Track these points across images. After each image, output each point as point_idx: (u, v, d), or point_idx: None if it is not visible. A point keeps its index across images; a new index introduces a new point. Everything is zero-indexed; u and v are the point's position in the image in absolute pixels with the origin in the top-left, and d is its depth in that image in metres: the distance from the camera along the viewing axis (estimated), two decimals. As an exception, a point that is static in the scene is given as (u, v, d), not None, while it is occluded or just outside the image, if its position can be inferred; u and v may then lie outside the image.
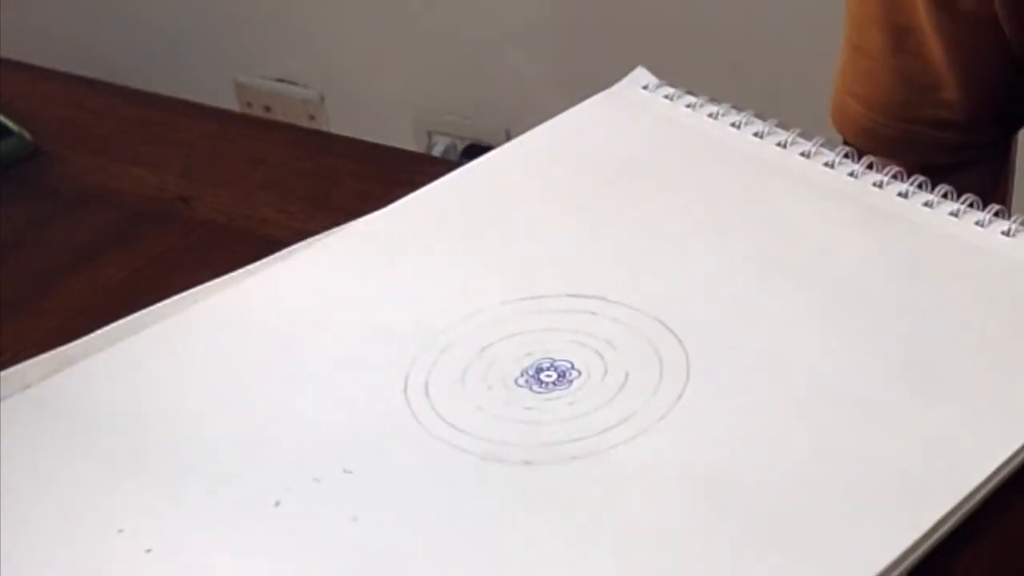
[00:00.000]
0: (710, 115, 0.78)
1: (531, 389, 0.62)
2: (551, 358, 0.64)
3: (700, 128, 0.77)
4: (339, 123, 2.01)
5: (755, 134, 0.77)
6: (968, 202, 0.71)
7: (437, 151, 1.94)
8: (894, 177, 0.73)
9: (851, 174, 0.74)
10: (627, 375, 0.63)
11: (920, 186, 0.72)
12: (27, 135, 0.84)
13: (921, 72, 0.86)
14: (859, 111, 0.89)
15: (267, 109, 2.05)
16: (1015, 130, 0.91)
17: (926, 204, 0.71)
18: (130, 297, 0.70)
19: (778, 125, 0.77)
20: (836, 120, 0.91)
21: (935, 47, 0.84)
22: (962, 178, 0.80)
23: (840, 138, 0.91)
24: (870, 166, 0.74)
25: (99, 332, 0.67)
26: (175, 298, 0.69)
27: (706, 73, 1.51)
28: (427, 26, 1.89)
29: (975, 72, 0.85)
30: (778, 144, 0.76)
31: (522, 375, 0.63)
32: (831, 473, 0.57)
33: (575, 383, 0.63)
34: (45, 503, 0.59)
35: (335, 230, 0.73)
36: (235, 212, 0.78)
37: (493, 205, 0.74)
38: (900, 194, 0.72)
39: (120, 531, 0.57)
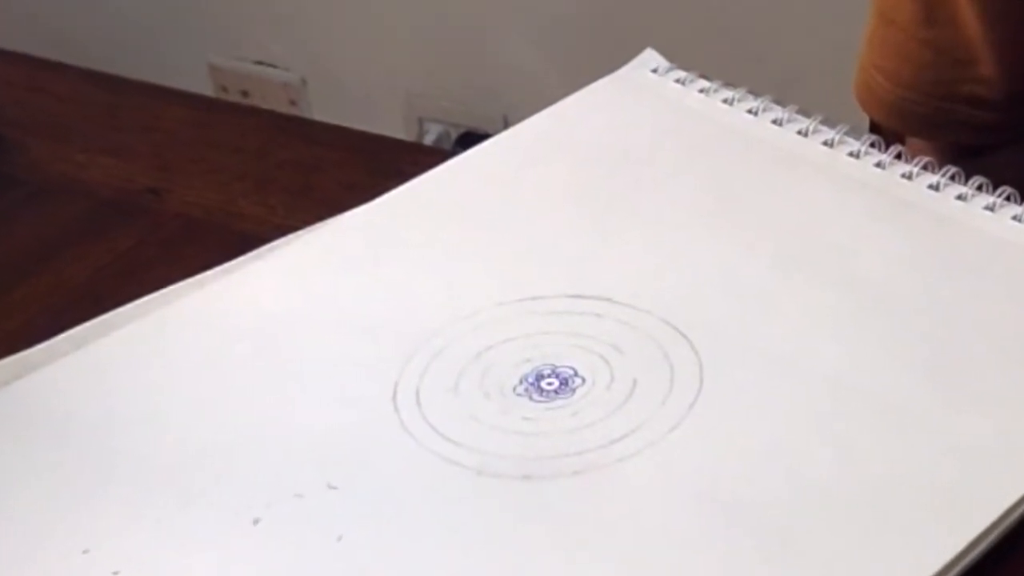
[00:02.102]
0: (725, 101, 0.78)
1: (531, 398, 0.62)
2: (552, 364, 0.64)
3: (714, 115, 0.78)
4: (322, 109, 2.01)
5: (774, 121, 0.77)
6: (1004, 195, 0.71)
7: (429, 139, 1.94)
8: (924, 168, 0.73)
9: (878, 164, 0.74)
10: (635, 382, 0.63)
11: (953, 178, 0.72)
12: (-16, 122, 0.84)
13: (955, 45, 0.86)
14: (886, 87, 0.89)
15: (244, 94, 2.05)
16: None
17: (959, 197, 0.71)
18: (96, 297, 0.70)
19: (798, 112, 0.77)
20: (861, 97, 0.91)
21: (970, 18, 0.85)
22: (998, 160, 0.80)
23: (866, 126, 0.91)
24: (898, 156, 0.74)
25: (63, 335, 0.67)
26: (145, 299, 0.69)
27: (721, 55, 1.52)
28: (418, 4, 1.89)
29: (1013, 46, 0.85)
30: (799, 132, 0.76)
31: (521, 382, 0.63)
32: (856, 487, 0.58)
33: (578, 391, 0.63)
34: (5, 520, 0.59)
35: (318, 225, 0.74)
36: (210, 205, 0.78)
37: (489, 198, 0.74)
38: (931, 186, 0.72)
39: (85, 551, 0.57)
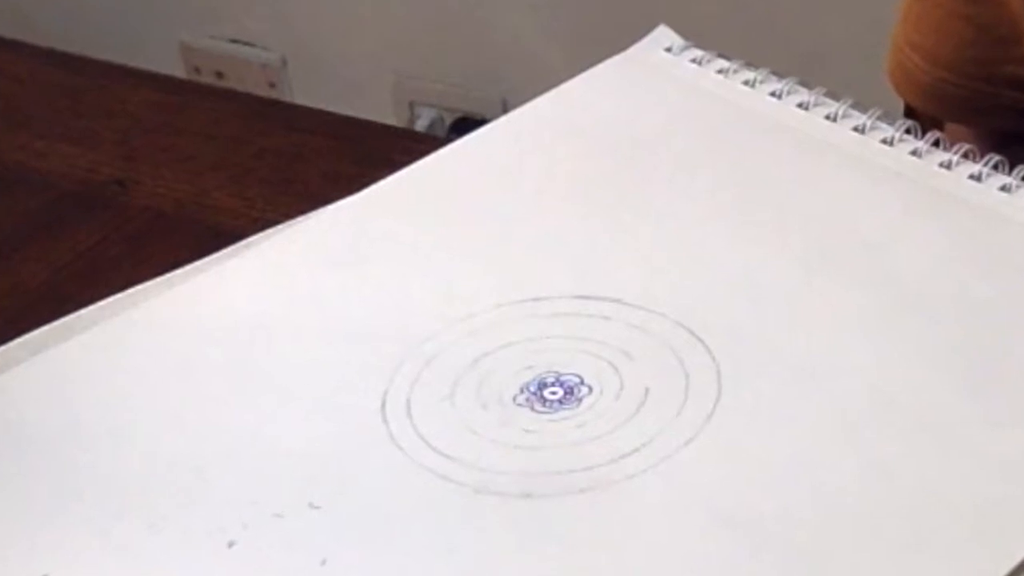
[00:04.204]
0: (745, 83, 0.78)
1: (532, 408, 0.63)
2: (556, 371, 0.64)
3: (733, 98, 0.78)
4: (305, 92, 2.01)
5: (799, 105, 0.77)
6: (1052, 186, 0.71)
7: (421, 125, 1.94)
8: (965, 156, 0.73)
9: (914, 152, 0.74)
10: (646, 391, 0.63)
11: (996, 167, 0.72)
12: (-66, 106, 0.85)
13: (998, 22, 0.86)
14: (923, 67, 0.89)
15: (219, 75, 2.06)
16: None
17: (1003, 188, 0.72)
18: (57, 299, 0.70)
19: (826, 95, 0.77)
20: (895, 78, 0.91)
21: None
22: None
23: (900, 110, 0.92)
24: (936, 143, 0.74)
25: (20, 340, 0.67)
26: (110, 300, 0.69)
27: (741, 32, 1.52)
28: (409, -23, 1.90)
29: None
30: (827, 117, 0.76)
31: (522, 392, 0.63)
32: (888, 506, 0.58)
33: (585, 401, 0.63)
34: (-45, 543, 0.59)
35: (300, 219, 0.74)
36: (181, 198, 0.79)
37: (487, 190, 0.75)
38: (972, 176, 0.72)
39: (45, 576, 0.58)
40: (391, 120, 1.90)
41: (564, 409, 0.62)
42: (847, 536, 0.57)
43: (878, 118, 0.76)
